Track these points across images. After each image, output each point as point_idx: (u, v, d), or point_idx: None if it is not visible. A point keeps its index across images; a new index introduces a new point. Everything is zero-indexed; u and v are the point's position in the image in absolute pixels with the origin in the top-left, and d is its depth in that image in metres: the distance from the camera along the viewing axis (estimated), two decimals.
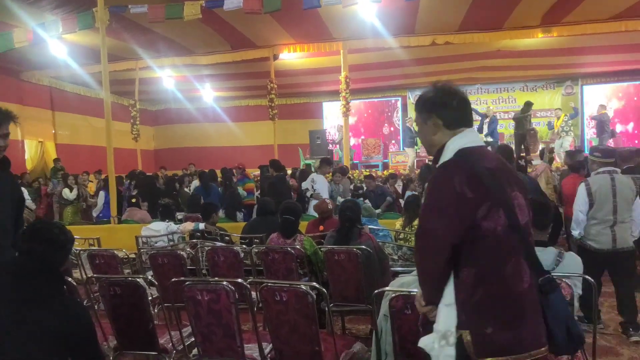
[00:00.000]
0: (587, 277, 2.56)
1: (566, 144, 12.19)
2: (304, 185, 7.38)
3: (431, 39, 10.92)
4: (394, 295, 2.35)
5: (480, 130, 12.23)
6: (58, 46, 10.19)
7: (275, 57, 12.06)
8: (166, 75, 14.00)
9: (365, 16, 9.27)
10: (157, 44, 11.12)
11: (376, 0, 7.94)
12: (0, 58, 10.99)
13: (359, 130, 17.36)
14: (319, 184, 7.21)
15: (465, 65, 13.80)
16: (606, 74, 15.35)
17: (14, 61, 11.96)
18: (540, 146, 11.67)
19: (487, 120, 12.29)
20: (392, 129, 17.19)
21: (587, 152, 11.96)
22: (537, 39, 11.14)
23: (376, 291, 2.53)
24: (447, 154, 1.69)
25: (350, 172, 10.45)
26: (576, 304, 2.50)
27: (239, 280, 2.95)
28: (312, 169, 8.88)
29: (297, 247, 3.89)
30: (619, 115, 15.35)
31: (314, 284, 2.87)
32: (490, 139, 11.90)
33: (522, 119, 11.31)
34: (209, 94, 16.61)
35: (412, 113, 16.87)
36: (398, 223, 4.95)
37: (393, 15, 9.61)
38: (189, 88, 15.82)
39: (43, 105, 13.87)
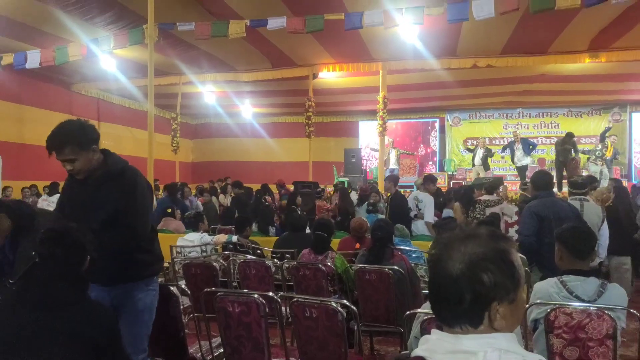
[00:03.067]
0: (632, 310, 2.45)
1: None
2: (409, 204, 6.73)
3: (473, 62, 10.84)
4: (425, 317, 2.31)
5: (512, 158, 12.18)
6: (108, 60, 10.69)
7: (315, 76, 12.23)
8: (207, 91, 14.40)
9: (407, 38, 9.31)
10: (201, 60, 11.50)
11: (418, 22, 7.99)
12: (54, 70, 11.62)
13: None
14: (425, 203, 6.59)
15: (507, 88, 13.60)
16: None
17: (66, 73, 12.62)
18: (584, 173, 11.31)
19: (517, 145, 12.07)
20: (428, 150, 17.03)
21: (634, 180, 11.54)
22: (584, 64, 10.88)
23: (408, 312, 2.50)
24: None
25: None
26: (620, 338, 2.38)
27: (270, 294, 2.97)
28: (415, 188, 8.33)
29: (329, 264, 3.89)
30: None
31: (345, 301, 2.86)
32: (524, 162, 11.71)
33: (563, 148, 11.11)
34: (248, 110, 16.95)
35: (451, 135, 16.78)
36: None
37: (435, 37, 9.62)
38: (229, 103, 16.21)
39: (90, 115, 14.48)
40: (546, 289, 2.59)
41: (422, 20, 7.74)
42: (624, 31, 9.23)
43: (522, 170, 12.08)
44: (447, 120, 16.83)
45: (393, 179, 7.20)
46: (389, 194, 7.04)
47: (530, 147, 12.11)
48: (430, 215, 6.56)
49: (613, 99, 14.71)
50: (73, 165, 2.36)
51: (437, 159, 16.91)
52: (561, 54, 10.47)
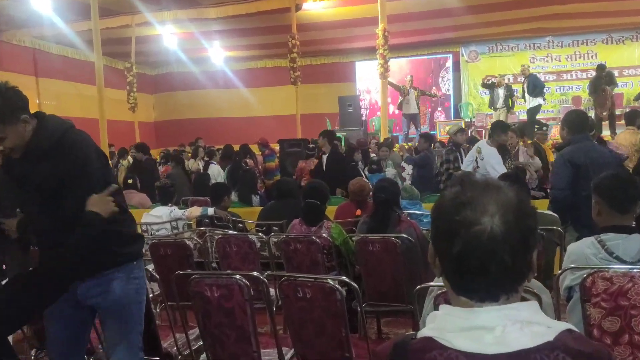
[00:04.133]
0: None
1: None
2: (468, 158, 6.38)
3: None
4: (440, 292, 2.34)
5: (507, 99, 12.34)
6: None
7: (298, 7, 12.03)
8: (168, 32, 14.14)
9: None
10: None
11: None
12: None
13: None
14: (490, 157, 6.01)
15: (533, 12, 13.43)
16: None
17: None
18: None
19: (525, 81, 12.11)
20: (440, 93, 16.94)
21: None
22: None
23: (418, 287, 2.54)
24: None
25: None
26: None
27: (255, 273, 3.00)
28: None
29: (324, 235, 3.92)
30: None
31: (344, 278, 2.90)
32: (537, 102, 11.84)
33: (597, 84, 11.21)
34: (219, 55, 16.71)
35: (467, 73, 16.62)
36: None
37: None
38: (195, 47, 15.95)
39: (25, 70, 14.25)
40: (582, 250, 2.62)
41: None
42: None
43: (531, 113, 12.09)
44: (462, 55, 16.67)
45: (328, 134, 7.69)
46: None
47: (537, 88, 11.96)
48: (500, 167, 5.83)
49: None
50: (2, 144, 2.30)
51: (451, 103, 16.82)
52: None
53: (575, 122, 4.08)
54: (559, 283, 2.72)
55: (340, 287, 2.61)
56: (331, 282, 2.65)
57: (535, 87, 11.97)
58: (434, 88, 16.75)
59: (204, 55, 16.93)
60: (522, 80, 12.39)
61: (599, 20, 14.36)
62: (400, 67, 16.72)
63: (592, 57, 15.63)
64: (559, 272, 2.68)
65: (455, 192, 1.09)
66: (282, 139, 10.41)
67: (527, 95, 12.08)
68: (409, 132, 13.34)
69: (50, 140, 2.36)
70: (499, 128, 6.37)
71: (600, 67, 11.74)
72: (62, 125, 2.43)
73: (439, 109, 16.96)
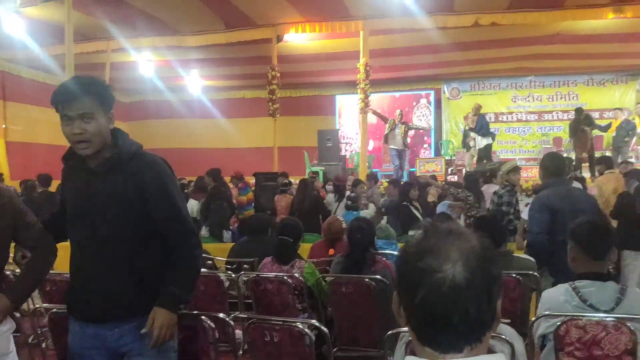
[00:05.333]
0: None
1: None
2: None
3: (474, 19, 10.94)
4: (410, 338, 2.35)
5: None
6: (15, 21, 10.37)
7: (279, 39, 12.18)
8: (144, 60, 14.17)
9: None
10: (134, 20, 11.30)
11: None
12: None
13: (382, 130, 17.39)
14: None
15: (515, 52, 13.81)
16: None
17: None
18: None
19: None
20: (427, 125, 17.13)
21: None
22: (607, 21, 11.11)
23: (389, 332, 2.54)
24: None
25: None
26: (639, 353, 2.47)
27: (221, 315, 2.97)
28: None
29: (296, 275, 3.90)
30: None
31: (314, 321, 2.88)
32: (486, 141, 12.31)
33: (575, 127, 11.69)
34: (196, 83, 16.77)
35: (449, 111, 16.92)
36: None
37: None
38: (172, 75, 16.01)
39: None
40: (556, 297, 2.66)
41: None
42: None
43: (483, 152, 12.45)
44: (444, 92, 17.00)
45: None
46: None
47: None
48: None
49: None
50: (85, 127, 2.16)
51: (431, 140, 17.06)
52: (580, 8, 10.65)
53: (551, 165, 4.17)
54: (533, 330, 2.75)
55: (309, 331, 2.59)
56: (300, 326, 2.64)
57: (482, 127, 12.34)
58: (421, 121, 17.00)
59: (181, 83, 16.98)
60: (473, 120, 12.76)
61: (580, 62, 14.83)
62: (381, 102, 16.94)
63: (573, 98, 16.06)
64: (533, 319, 2.71)
65: (419, 239, 1.10)
66: (258, 172, 10.41)
67: (477, 136, 12.53)
68: (401, 164, 13.29)
69: (129, 154, 2.27)
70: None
71: (579, 111, 12.21)
72: (135, 143, 2.37)
73: (425, 145, 17.15)
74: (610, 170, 8.22)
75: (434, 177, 10.90)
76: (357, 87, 11.76)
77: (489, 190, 7.97)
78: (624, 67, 15.51)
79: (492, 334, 2.35)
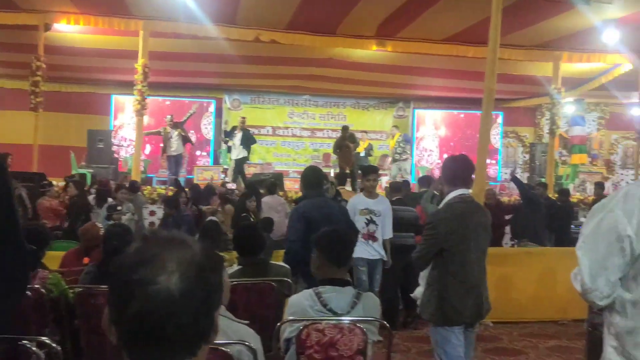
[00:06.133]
0: (385, 323, 2.81)
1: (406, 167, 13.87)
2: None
3: (255, 34, 11.22)
4: None
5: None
6: None
7: (48, 27, 11.07)
8: None
9: None
10: None
11: None
12: None
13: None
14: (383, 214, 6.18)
15: (293, 70, 14.51)
16: (438, 99, 17.65)
17: None
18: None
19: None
20: (200, 136, 16.97)
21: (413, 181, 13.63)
22: (372, 52, 12.30)
23: None
24: None
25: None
26: (370, 352, 2.70)
27: None
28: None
29: (36, 286, 3.50)
30: (446, 144, 17.73)
31: (44, 338, 2.59)
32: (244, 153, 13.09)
33: (340, 144, 12.82)
34: None
35: (230, 121, 17.04)
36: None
37: None
38: None
39: None
40: (301, 302, 2.78)
41: None
42: (409, 21, 10.74)
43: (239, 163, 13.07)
44: (225, 102, 17.11)
45: None
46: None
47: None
48: (389, 230, 6.11)
49: (399, 92, 17.00)
50: None
51: (211, 148, 17.00)
52: (349, 37, 11.64)
53: (309, 178, 4.42)
54: (280, 335, 2.83)
55: (37, 349, 2.32)
56: (28, 345, 2.34)
57: (248, 139, 12.95)
58: (191, 132, 16.80)
59: None
60: (236, 131, 13.29)
61: (350, 86, 16.09)
62: (160, 106, 16.39)
63: (342, 118, 17.34)
64: (279, 324, 2.79)
65: (135, 250, 1.03)
66: (16, 171, 9.28)
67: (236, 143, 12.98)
68: (176, 171, 12.95)
69: None
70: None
71: (345, 129, 13.33)
72: None
73: (202, 153, 16.95)
74: None
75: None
76: (135, 88, 11.23)
77: (273, 201, 8.23)
78: (385, 94, 17.29)
79: (238, 341, 2.37)
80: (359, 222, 5.68)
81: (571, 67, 13.04)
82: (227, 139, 13.73)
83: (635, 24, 9.96)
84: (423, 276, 3.47)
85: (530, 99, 17.05)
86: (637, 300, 1.72)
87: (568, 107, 15.00)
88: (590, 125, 17.34)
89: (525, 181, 13.89)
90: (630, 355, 1.73)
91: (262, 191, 8.55)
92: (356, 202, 6.01)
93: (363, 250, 5.74)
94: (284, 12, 10.58)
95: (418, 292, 3.52)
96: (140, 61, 11.08)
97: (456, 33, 11.34)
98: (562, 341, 6.22)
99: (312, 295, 2.77)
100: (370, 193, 6.03)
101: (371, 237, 5.87)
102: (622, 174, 17.72)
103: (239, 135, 13.06)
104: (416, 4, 9.84)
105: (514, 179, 9.62)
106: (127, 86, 13.31)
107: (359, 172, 8.98)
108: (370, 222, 5.85)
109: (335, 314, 2.72)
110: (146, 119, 12.79)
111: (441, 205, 3.51)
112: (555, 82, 12.75)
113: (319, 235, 2.96)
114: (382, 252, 5.99)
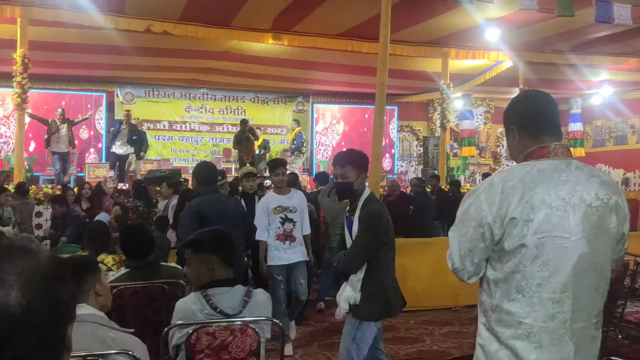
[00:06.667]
0: (276, 320, 2.75)
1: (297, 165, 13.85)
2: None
3: (146, 25, 10.73)
4: None
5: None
6: None
7: None
8: None
9: None
10: None
11: None
12: None
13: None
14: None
15: (188, 63, 14.07)
16: (336, 93, 17.89)
17: None
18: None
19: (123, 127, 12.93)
20: (91, 132, 16.09)
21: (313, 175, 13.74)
22: (269, 45, 12.17)
23: None
24: None
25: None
26: (263, 352, 2.62)
27: None
28: None
29: None
30: (346, 138, 18.02)
31: None
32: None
33: (240, 137, 12.79)
34: None
35: (122, 115, 16.28)
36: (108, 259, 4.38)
37: None
38: None
39: None
40: (188, 306, 2.64)
41: None
42: (304, 15, 10.73)
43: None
44: (118, 95, 16.28)
45: None
46: None
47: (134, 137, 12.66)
48: (307, 225, 5.70)
49: (298, 87, 17.03)
50: None
51: (103, 145, 16.12)
52: (245, 30, 11.43)
53: (202, 174, 4.26)
54: (169, 342, 2.69)
55: None
56: None
57: (134, 141, 12.59)
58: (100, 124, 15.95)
59: None
60: (122, 125, 12.94)
61: (248, 80, 15.84)
62: (47, 100, 15.34)
63: (241, 113, 17.06)
64: (165, 329, 2.65)
65: None
66: None
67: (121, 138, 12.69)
68: (64, 168, 12.15)
69: None
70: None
71: (244, 122, 13.39)
72: None
73: (91, 150, 16.05)
74: None
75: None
76: (14, 80, 10.39)
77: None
78: (284, 89, 17.23)
79: (120, 351, 2.21)
80: (274, 222, 5.26)
81: (459, 63, 13.67)
82: (113, 128, 13.07)
83: (512, 23, 10.62)
84: (356, 279, 3.37)
85: (423, 94, 17.67)
86: (498, 279, 1.82)
87: (457, 102, 15.78)
88: (478, 119, 18.34)
89: (419, 174, 14.54)
90: (493, 331, 1.83)
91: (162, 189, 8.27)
92: (267, 201, 5.45)
93: (278, 256, 5.28)
94: (177, 2, 10.20)
95: (348, 296, 3.39)
96: (19, 51, 10.27)
97: (350, 28, 11.51)
98: (455, 327, 6.51)
99: (200, 298, 2.64)
100: (280, 188, 5.48)
101: (289, 237, 5.31)
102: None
103: (124, 130, 12.56)
104: None
105: None
106: (5, 78, 12.25)
107: (265, 167, 8.83)
108: (285, 220, 5.32)
109: (228, 315, 2.61)
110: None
111: (363, 198, 3.45)
112: (444, 78, 13.33)
113: (197, 235, 2.85)
114: (304, 251, 5.47)
